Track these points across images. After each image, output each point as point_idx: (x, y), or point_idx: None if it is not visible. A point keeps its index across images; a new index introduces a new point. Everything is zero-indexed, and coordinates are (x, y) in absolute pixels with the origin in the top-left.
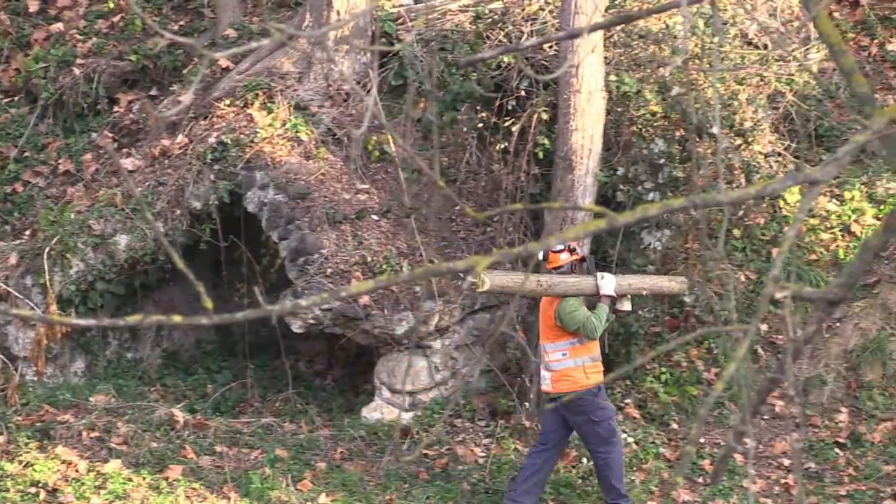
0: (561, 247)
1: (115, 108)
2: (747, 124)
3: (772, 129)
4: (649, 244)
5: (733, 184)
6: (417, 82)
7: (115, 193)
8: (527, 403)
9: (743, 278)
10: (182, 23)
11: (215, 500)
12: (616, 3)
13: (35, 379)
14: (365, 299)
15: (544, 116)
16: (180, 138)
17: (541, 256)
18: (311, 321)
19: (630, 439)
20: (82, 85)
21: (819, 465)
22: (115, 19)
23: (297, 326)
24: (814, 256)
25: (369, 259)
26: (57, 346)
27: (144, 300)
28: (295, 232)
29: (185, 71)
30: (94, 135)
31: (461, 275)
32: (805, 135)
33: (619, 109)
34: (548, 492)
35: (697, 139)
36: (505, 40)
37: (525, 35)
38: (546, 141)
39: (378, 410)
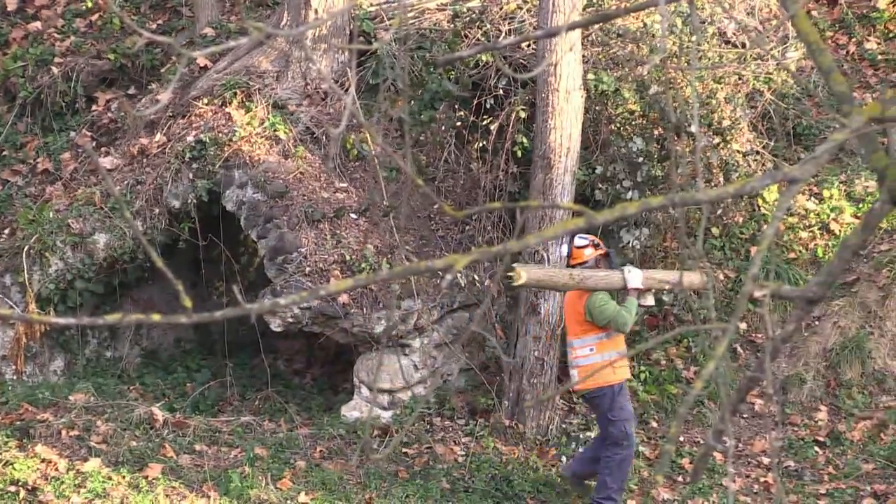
0: (585, 242)
1: (94, 107)
2: (725, 123)
3: (750, 128)
4: (628, 242)
5: (712, 182)
6: (391, 81)
7: (94, 192)
8: (506, 402)
9: (722, 277)
10: (160, 21)
11: (195, 499)
12: (594, 1)
13: (14, 378)
14: (344, 298)
15: (522, 115)
16: (159, 137)
17: (565, 252)
18: (290, 320)
19: None
20: (60, 84)
21: (799, 463)
22: (93, 18)
23: (276, 325)
24: (792, 255)
25: (348, 257)
26: (36, 344)
27: (123, 299)
28: (273, 230)
29: (163, 70)
30: (72, 133)
31: (440, 273)
32: (783, 133)
33: (597, 108)
34: (527, 490)
35: (676, 138)
36: (483, 39)
37: (503, 33)
38: (524, 139)
39: (357, 409)
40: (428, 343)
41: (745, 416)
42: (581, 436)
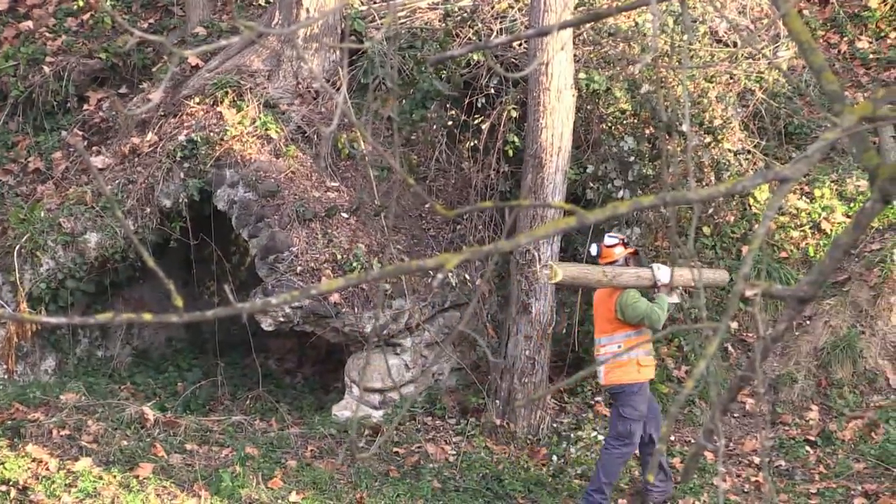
0: (615, 240)
1: (85, 106)
2: (717, 122)
3: (741, 127)
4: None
5: (703, 181)
6: (381, 80)
7: (86, 191)
8: (497, 401)
9: None
10: (151, 20)
11: (186, 498)
12: (585, 0)
13: (5, 377)
14: (335, 297)
15: (514, 114)
16: (150, 136)
17: (594, 252)
18: (282, 319)
19: (600, 437)
20: (52, 83)
21: (790, 462)
22: (85, 17)
23: (267, 324)
24: (784, 254)
25: (339, 257)
26: (27, 344)
27: (115, 298)
28: (265, 230)
29: (154, 69)
30: (63, 133)
31: (431, 272)
32: (775, 132)
33: (588, 107)
34: (518, 489)
35: (667, 137)
36: (474, 38)
37: (494, 33)
38: (516, 138)
39: (348, 408)
40: (419, 342)
41: (735, 415)
42: (572, 435)
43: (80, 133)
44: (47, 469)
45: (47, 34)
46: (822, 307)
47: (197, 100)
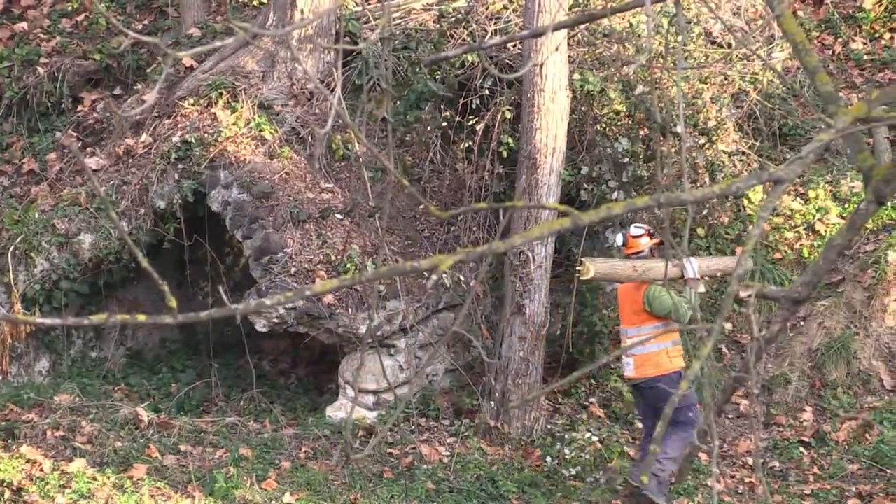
0: (641, 231)
1: (80, 107)
2: (711, 123)
3: (736, 128)
4: (613, 243)
5: (697, 182)
6: (375, 81)
7: (80, 192)
8: (491, 402)
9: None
10: (146, 22)
11: (180, 499)
12: (580, 1)
13: None
14: (329, 298)
15: (508, 115)
16: (144, 137)
17: (619, 242)
18: (276, 320)
19: (594, 438)
20: (46, 84)
21: (784, 463)
22: (79, 18)
23: (261, 325)
24: (778, 255)
25: (333, 258)
26: (21, 345)
27: (109, 299)
28: (259, 231)
29: (148, 70)
30: (58, 134)
31: (425, 273)
32: (769, 133)
33: (583, 108)
34: (512, 491)
35: (661, 138)
36: (469, 39)
37: (489, 34)
38: (510, 140)
39: (342, 409)
40: (413, 343)
41: (730, 416)
42: (566, 436)
43: (75, 134)
44: (41, 470)
45: (42, 35)
46: (816, 308)
47: (191, 101)
